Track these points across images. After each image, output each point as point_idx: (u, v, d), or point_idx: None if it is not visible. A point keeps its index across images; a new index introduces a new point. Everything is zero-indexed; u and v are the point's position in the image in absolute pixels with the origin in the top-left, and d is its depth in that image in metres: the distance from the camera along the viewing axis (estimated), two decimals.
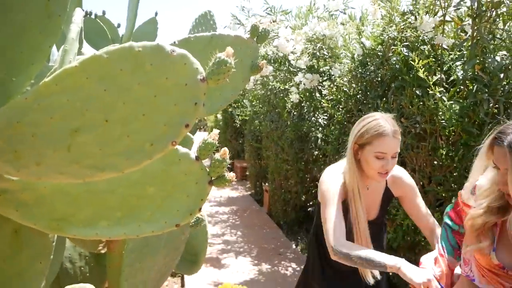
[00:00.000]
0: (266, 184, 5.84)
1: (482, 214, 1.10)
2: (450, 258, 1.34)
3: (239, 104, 7.71)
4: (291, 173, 4.78)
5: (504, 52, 2.28)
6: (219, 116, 10.36)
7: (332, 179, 1.59)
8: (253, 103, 5.91)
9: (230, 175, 0.68)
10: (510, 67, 2.16)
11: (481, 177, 1.17)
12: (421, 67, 2.19)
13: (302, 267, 2.00)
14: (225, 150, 0.66)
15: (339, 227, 1.48)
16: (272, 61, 4.18)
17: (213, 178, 0.68)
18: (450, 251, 1.35)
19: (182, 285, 3.56)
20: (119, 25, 2.45)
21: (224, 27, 3.76)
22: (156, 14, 2.37)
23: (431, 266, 1.34)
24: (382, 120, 1.51)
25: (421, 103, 2.28)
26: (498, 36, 2.37)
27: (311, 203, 4.83)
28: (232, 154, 9.54)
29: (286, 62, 4.06)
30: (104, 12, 2.51)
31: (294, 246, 4.43)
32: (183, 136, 0.56)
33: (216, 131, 0.67)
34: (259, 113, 5.70)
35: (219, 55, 0.54)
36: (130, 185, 0.68)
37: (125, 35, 1.80)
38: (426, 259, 1.41)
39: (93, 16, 2.38)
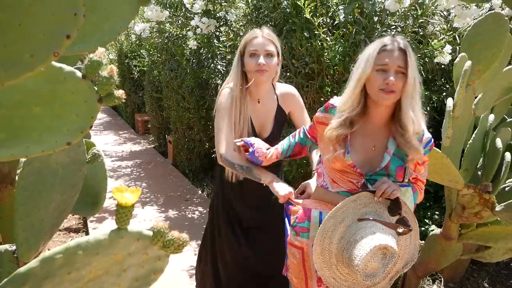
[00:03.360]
0: (169, 135, 5.80)
1: (337, 127, 1.34)
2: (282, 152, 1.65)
3: (136, 54, 7.30)
4: (194, 121, 4.80)
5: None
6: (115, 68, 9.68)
7: (226, 93, 1.76)
8: (151, 52, 5.65)
9: (119, 92, 0.71)
10: (383, 12, 2.42)
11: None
12: (307, 9, 2.33)
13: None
14: (112, 67, 0.68)
15: (228, 137, 1.71)
16: (167, 6, 4.02)
17: (102, 96, 0.70)
18: (285, 151, 1.65)
19: None
20: None
21: None
22: None
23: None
24: (257, 30, 1.76)
25: (309, 44, 2.44)
26: None
27: (215, 149, 4.95)
28: (133, 108, 9.12)
29: (183, 7, 3.94)
30: None
31: (200, 192, 4.57)
32: (66, 46, 0.57)
33: (101, 49, 0.68)
34: (157, 62, 5.50)
35: None
36: (12, 106, 0.67)
37: None
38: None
39: None
